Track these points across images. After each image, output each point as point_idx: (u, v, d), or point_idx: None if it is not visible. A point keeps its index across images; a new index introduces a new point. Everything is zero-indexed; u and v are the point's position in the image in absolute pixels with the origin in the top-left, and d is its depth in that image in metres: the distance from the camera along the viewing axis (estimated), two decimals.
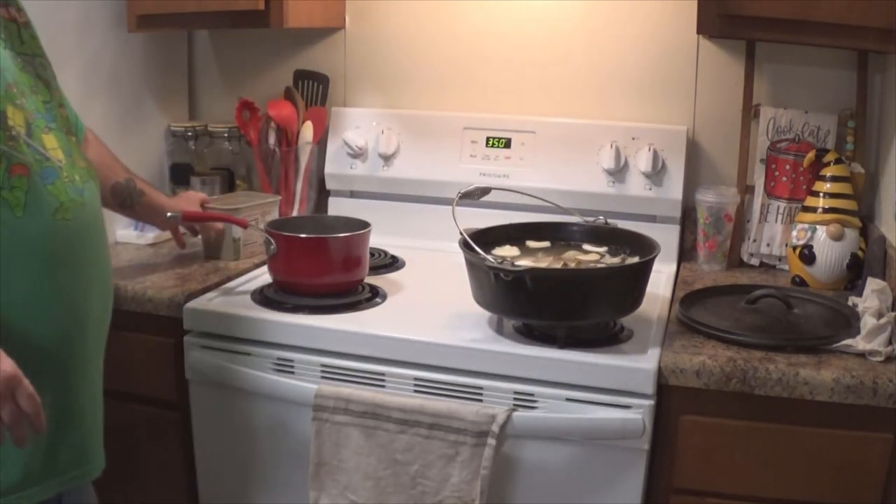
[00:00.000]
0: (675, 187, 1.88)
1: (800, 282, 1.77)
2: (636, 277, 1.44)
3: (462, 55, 2.07)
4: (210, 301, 1.60)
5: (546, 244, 1.59)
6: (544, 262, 1.50)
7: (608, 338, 1.45)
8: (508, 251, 1.55)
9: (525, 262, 1.44)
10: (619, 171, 1.89)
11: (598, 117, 1.97)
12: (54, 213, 1.11)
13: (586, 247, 1.58)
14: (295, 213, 2.04)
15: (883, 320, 1.40)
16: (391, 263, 1.86)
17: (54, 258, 1.11)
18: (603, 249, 1.57)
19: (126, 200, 1.63)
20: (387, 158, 2.02)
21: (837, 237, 1.73)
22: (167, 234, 1.97)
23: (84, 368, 1.19)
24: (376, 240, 1.75)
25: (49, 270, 1.11)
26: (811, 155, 1.81)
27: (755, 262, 1.91)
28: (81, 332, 1.17)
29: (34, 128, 1.12)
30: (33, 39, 1.23)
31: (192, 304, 1.58)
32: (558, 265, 1.49)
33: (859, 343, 1.37)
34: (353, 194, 2.09)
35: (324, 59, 2.14)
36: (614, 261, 1.52)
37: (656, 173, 1.87)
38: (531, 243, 1.59)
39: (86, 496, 1.27)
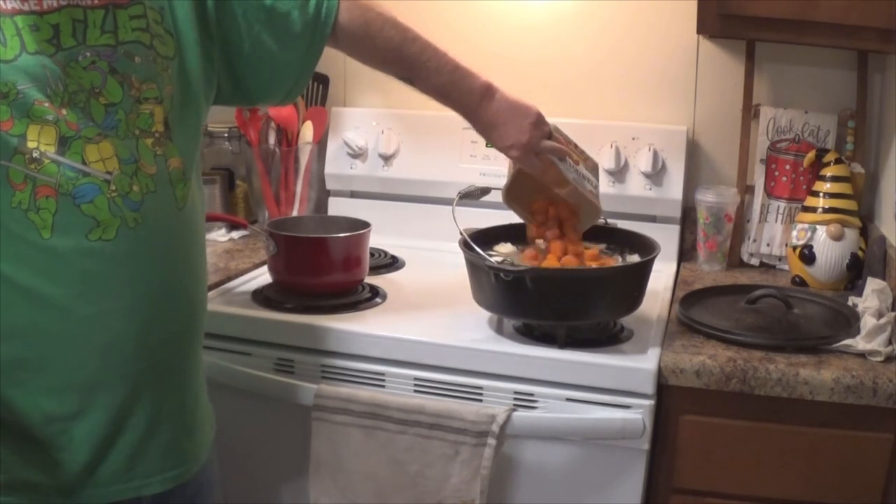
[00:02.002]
0: (675, 187, 1.88)
1: (800, 282, 1.77)
2: (636, 277, 1.44)
3: (462, 55, 2.04)
4: (210, 301, 1.60)
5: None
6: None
7: (608, 338, 1.45)
8: (509, 249, 1.55)
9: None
10: (619, 171, 1.89)
11: (598, 117, 1.97)
12: (89, 233, 1.04)
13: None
14: (295, 213, 2.04)
15: (883, 320, 1.41)
16: (391, 263, 1.86)
17: (88, 280, 1.04)
18: (601, 246, 1.57)
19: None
20: (387, 158, 2.02)
21: (837, 237, 1.73)
22: None
23: (132, 391, 1.10)
24: (376, 240, 1.75)
25: (80, 293, 1.04)
26: (811, 155, 1.81)
27: (755, 262, 1.91)
28: (124, 352, 1.09)
29: (74, 141, 1.03)
30: (134, 20, 1.08)
31: None
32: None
33: (859, 343, 1.38)
34: (353, 194, 2.09)
35: (324, 59, 2.12)
36: (613, 258, 1.52)
37: (656, 173, 1.87)
38: (541, 242, 1.60)
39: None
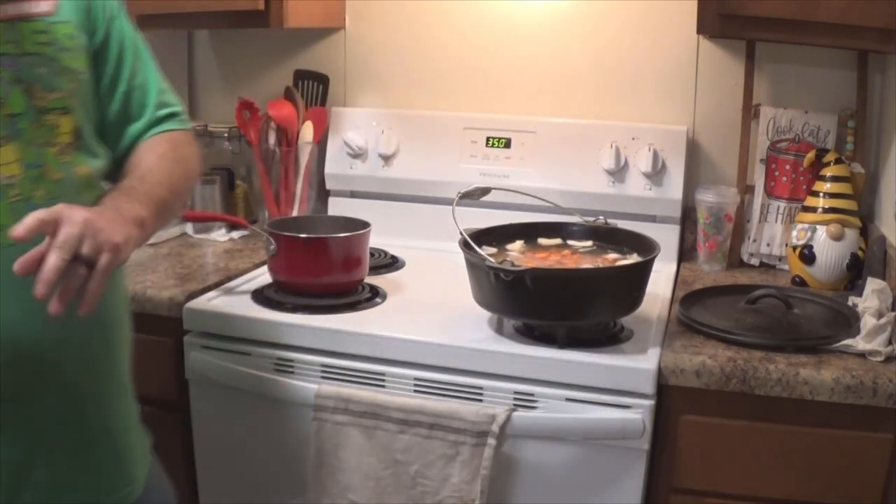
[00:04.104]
0: (675, 187, 1.88)
1: (800, 282, 1.77)
2: (636, 277, 1.44)
3: (462, 55, 2.07)
4: (210, 301, 1.60)
5: (557, 241, 1.60)
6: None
7: (608, 338, 1.45)
8: (520, 246, 1.56)
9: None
10: (619, 171, 1.89)
11: (598, 117, 1.97)
12: None
13: (571, 242, 1.59)
14: (295, 213, 2.04)
15: (883, 320, 1.41)
16: (391, 263, 1.86)
17: None
18: (588, 243, 1.58)
19: None
20: (387, 158, 2.02)
21: (837, 237, 1.73)
22: (168, 234, 1.97)
23: (37, 397, 1.07)
24: (376, 240, 1.75)
25: None
26: (811, 155, 1.81)
27: (755, 262, 1.91)
28: (28, 357, 1.04)
29: None
30: (38, 35, 1.07)
31: (192, 304, 1.58)
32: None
33: (859, 343, 1.37)
34: (353, 194, 2.09)
35: (324, 59, 2.14)
36: (596, 258, 1.52)
37: (656, 173, 1.87)
38: (543, 240, 1.60)
39: None
